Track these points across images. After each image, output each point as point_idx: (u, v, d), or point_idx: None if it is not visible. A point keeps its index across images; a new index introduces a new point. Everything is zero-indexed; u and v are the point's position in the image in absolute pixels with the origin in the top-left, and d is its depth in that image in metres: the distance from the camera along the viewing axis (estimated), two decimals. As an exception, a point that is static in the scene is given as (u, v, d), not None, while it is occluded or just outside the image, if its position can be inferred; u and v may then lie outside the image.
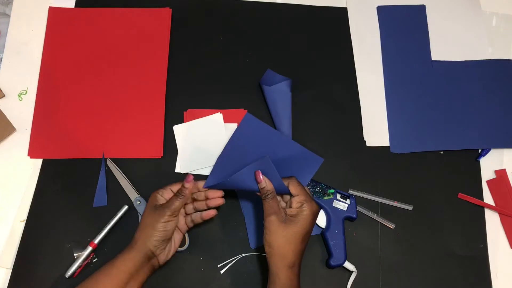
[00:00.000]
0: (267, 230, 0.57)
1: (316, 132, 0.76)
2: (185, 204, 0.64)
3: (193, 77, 0.79)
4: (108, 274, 0.58)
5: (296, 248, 0.57)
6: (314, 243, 0.69)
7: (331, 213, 0.68)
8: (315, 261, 0.69)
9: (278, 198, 0.61)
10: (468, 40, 0.84)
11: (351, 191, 0.72)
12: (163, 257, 0.61)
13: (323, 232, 0.68)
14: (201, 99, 0.77)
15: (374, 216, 0.71)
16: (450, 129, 0.77)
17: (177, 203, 0.60)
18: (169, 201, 0.61)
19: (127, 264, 0.58)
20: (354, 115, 0.78)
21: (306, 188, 0.61)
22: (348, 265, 0.67)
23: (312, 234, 0.69)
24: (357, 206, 0.70)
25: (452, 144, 0.76)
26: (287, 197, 0.61)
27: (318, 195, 0.69)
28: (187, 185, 0.61)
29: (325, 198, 0.69)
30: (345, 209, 0.68)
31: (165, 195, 0.63)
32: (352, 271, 0.67)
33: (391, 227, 0.71)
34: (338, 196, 0.69)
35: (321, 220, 0.69)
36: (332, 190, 0.69)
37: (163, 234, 0.59)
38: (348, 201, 0.69)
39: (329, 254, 0.67)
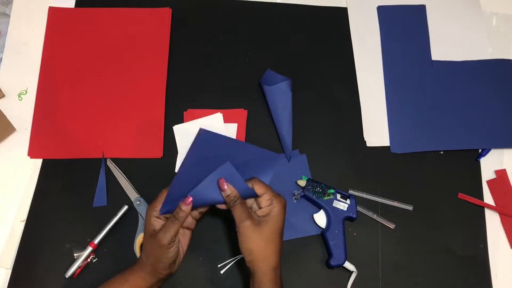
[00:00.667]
0: (243, 237, 0.56)
1: (316, 132, 0.76)
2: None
3: (193, 77, 0.79)
4: (117, 286, 0.58)
5: (276, 247, 0.56)
6: (314, 243, 0.70)
7: (331, 213, 0.68)
8: (315, 261, 0.69)
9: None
10: (468, 40, 0.84)
11: (351, 191, 0.72)
12: (174, 267, 0.60)
13: (323, 232, 0.68)
14: (201, 99, 0.77)
15: (374, 216, 0.71)
16: (450, 129, 0.77)
17: (173, 229, 0.56)
18: (165, 228, 0.57)
19: (140, 283, 0.58)
20: (354, 115, 0.78)
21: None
22: (348, 265, 0.67)
23: (312, 234, 0.70)
24: (357, 206, 0.70)
25: (452, 144, 0.76)
26: (250, 200, 0.59)
27: (318, 195, 0.69)
28: (184, 207, 0.56)
29: (325, 198, 0.69)
30: (345, 209, 0.68)
31: (156, 213, 0.59)
32: (352, 271, 0.67)
33: (391, 227, 0.71)
34: (338, 196, 0.69)
35: (321, 220, 0.69)
36: (332, 190, 0.69)
37: (169, 260, 0.58)
38: (348, 201, 0.69)
39: (329, 254, 0.67)
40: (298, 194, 0.71)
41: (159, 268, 0.58)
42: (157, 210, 0.59)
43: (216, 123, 0.75)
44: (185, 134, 0.75)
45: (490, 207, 0.73)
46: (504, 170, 0.75)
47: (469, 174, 0.75)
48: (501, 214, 0.73)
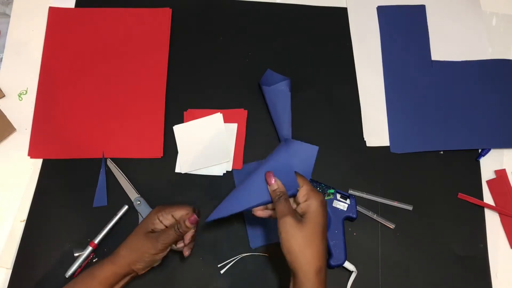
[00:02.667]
0: (283, 233, 0.52)
1: (316, 132, 0.76)
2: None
3: (193, 77, 0.79)
4: (88, 286, 0.57)
5: (318, 249, 0.52)
6: None
7: (331, 213, 0.68)
8: None
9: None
10: (468, 40, 0.84)
11: (351, 191, 0.72)
12: (146, 270, 0.60)
13: None
14: (201, 99, 0.77)
15: (374, 216, 0.71)
16: (450, 129, 0.77)
17: (172, 238, 0.58)
18: (165, 234, 0.58)
19: (107, 277, 0.57)
20: (354, 115, 0.78)
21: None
22: (348, 265, 0.67)
23: None
24: (357, 206, 0.70)
25: (452, 144, 0.76)
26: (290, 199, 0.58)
27: None
28: (189, 225, 0.58)
29: (326, 198, 0.69)
30: (345, 209, 0.68)
31: (165, 221, 0.60)
32: (352, 271, 0.67)
33: (391, 227, 0.71)
34: (338, 196, 0.69)
35: None
36: (332, 190, 0.69)
37: (150, 263, 0.59)
38: (348, 201, 0.69)
39: (329, 254, 0.67)
40: None
41: (137, 265, 0.58)
42: (161, 216, 0.60)
43: (216, 123, 0.75)
44: (185, 134, 0.75)
45: (490, 207, 0.73)
46: (504, 170, 0.75)
47: (469, 174, 0.75)
48: (501, 214, 0.73)
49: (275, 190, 0.56)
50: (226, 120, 0.76)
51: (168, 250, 0.60)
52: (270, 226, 0.70)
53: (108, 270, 0.57)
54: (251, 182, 0.58)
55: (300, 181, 0.56)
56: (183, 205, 0.61)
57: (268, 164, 0.58)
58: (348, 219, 0.69)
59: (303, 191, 0.55)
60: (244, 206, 0.58)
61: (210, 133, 0.74)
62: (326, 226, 0.55)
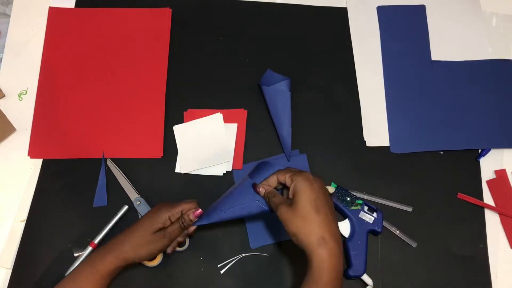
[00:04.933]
0: (283, 222, 0.55)
1: (316, 132, 0.76)
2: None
3: (193, 77, 0.79)
4: (91, 280, 0.57)
5: (314, 220, 0.52)
6: None
7: (356, 224, 0.68)
8: None
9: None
10: (468, 40, 0.84)
11: (351, 192, 0.72)
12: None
13: (345, 241, 0.68)
14: (201, 99, 0.77)
15: (397, 232, 0.70)
16: (450, 129, 0.77)
17: (177, 232, 0.60)
18: (171, 229, 0.60)
19: (110, 271, 0.58)
20: (354, 115, 0.78)
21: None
22: (366, 278, 0.66)
23: None
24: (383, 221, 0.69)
25: (452, 144, 0.76)
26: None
27: (346, 203, 0.69)
28: (193, 219, 0.60)
29: (353, 208, 0.69)
30: (371, 221, 0.68)
31: (174, 217, 0.61)
32: (368, 285, 0.66)
33: (413, 245, 0.70)
34: (366, 208, 0.69)
35: (345, 229, 0.68)
36: (360, 201, 0.69)
37: (153, 256, 0.61)
38: (375, 214, 0.68)
39: (349, 264, 0.67)
40: None
41: (136, 259, 0.59)
42: (169, 213, 0.61)
43: (216, 123, 0.75)
44: (185, 134, 0.75)
45: (489, 207, 0.73)
46: (504, 170, 0.75)
47: (469, 174, 0.75)
48: (501, 215, 0.73)
49: (264, 193, 0.59)
50: (226, 120, 0.76)
51: (173, 244, 0.62)
52: (270, 226, 0.70)
53: (111, 264, 0.58)
54: (235, 197, 0.61)
55: (283, 173, 0.58)
56: (188, 200, 0.63)
57: (240, 184, 0.61)
58: (372, 232, 0.69)
59: (288, 178, 0.57)
60: (233, 216, 0.60)
61: (210, 133, 0.74)
62: (323, 198, 0.55)
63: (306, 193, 0.54)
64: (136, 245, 0.59)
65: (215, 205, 0.61)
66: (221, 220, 0.60)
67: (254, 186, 0.59)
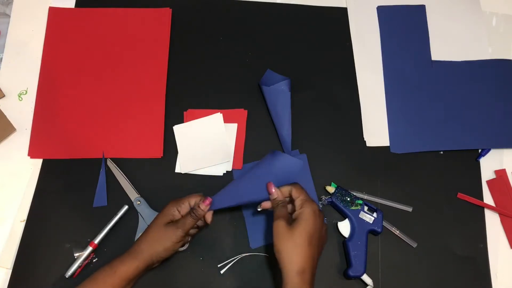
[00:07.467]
0: (274, 234, 0.57)
1: (316, 132, 0.76)
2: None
3: (193, 77, 0.79)
4: (109, 282, 0.58)
5: (303, 252, 0.55)
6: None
7: (356, 224, 0.68)
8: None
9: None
10: (468, 40, 0.84)
11: (351, 192, 0.72)
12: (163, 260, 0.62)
13: (345, 241, 0.68)
14: (201, 99, 0.77)
15: (397, 232, 0.70)
16: (450, 129, 0.77)
17: (190, 223, 0.61)
18: (183, 221, 0.61)
19: (128, 273, 0.58)
20: (354, 115, 0.78)
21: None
22: (366, 278, 0.66)
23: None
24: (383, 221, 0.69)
25: (452, 144, 0.76)
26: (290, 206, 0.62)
27: (346, 203, 0.69)
28: (203, 207, 0.61)
29: (353, 208, 0.69)
30: (371, 222, 0.68)
31: (182, 210, 0.63)
32: (368, 285, 0.66)
33: (413, 245, 0.70)
34: (366, 208, 0.69)
35: (345, 229, 0.69)
36: (360, 201, 0.69)
37: (171, 252, 0.61)
38: (375, 214, 0.68)
39: (349, 264, 0.67)
40: (325, 199, 0.71)
41: (156, 258, 0.60)
42: (178, 206, 0.62)
43: (216, 123, 0.75)
44: (185, 134, 0.75)
45: (489, 207, 0.73)
46: (504, 170, 0.75)
47: (469, 174, 0.75)
48: (501, 215, 0.73)
49: (275, 199, 0.60)
50: (226, 120, 0.76)
51: (187, 238, 0.64)
52: (270, 226, 0.70)
53: (131, 265, 0.58)
54: (248, 180, 0.62)
55: (298, 191, 0.61)
56: (194, 194, 0.64)
57: (254, 172, 0.62)
58: (373, 232, 0.69)
59: (299, 201, 0.60)
60: (244, 200, 0.62)
61: (210, 133, 0.75)
62: (319, 234, 0.58)
63: (308, 225, 0.57)
64: (151, 241, 0.60)
65: (229, 188, 0.63)
66: (233, 205, 0.63)
67: (269, 185, 0.60)
